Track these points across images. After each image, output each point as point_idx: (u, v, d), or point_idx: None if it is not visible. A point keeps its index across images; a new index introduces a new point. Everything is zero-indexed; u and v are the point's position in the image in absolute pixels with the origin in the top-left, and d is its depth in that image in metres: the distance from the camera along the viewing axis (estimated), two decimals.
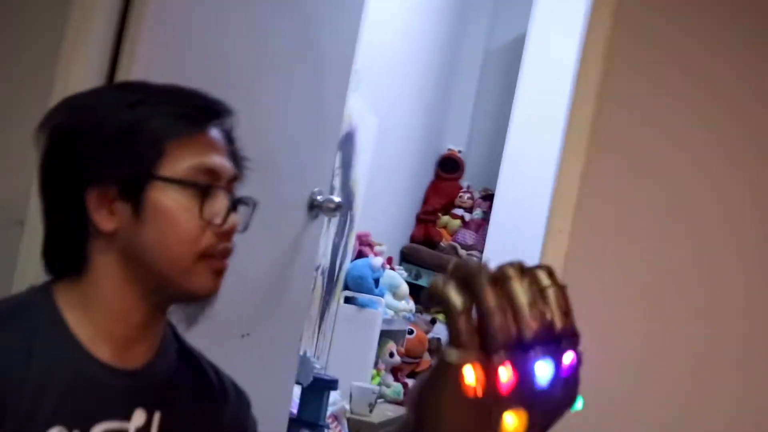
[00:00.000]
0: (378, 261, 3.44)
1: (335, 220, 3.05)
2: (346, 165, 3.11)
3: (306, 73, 2.06)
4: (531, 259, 0.54)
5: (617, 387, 1.50)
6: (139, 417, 0.94)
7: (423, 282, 4.14)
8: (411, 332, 3.66)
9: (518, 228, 3.75)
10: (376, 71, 3.31)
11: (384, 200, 3.90)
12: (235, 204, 0.94)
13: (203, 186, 0.91)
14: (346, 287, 3.30)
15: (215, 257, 0.92)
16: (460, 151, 4.47)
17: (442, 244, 4.24)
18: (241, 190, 1.03)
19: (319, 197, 2.11)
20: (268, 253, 1.95)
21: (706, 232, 1.57)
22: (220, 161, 0.94)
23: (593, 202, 1.59)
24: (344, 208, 3.14)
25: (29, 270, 1.37)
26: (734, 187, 1.58)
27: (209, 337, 1.14)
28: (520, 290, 0.42)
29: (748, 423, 1.48)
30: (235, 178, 0.97)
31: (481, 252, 4.15)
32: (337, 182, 2.96)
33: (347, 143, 3.06)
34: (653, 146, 1.61)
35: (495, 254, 3.96)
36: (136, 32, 1.46)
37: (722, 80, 1.63)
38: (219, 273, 0.93)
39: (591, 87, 1.58)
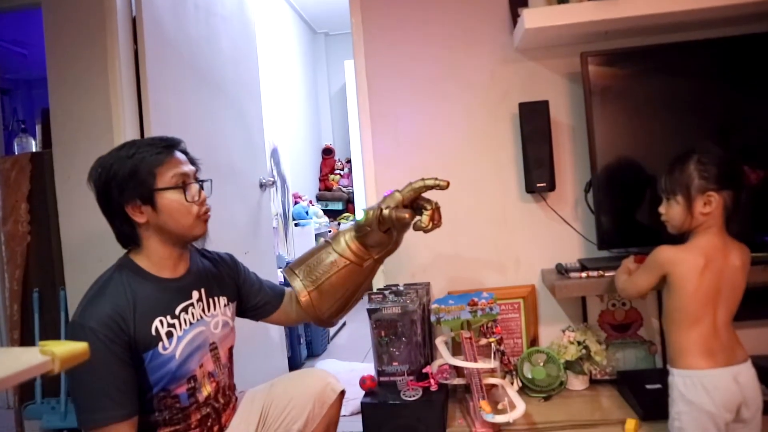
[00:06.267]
0: (305, 204, 4.33)
1: (280, 189, 3.84)
2: (276, 163, 3.91)
3: (241, 127, 2.43)
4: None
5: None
6: (195, 294, 1.26)
7: (330, 208, 5.04)
8: (329, 232, 4.29)
9: (360, 169, 4.16)
10: (281, 111, 4.18)
11: (301, 175, 4.68)
12: (201, 186, 1.19)
13: (182, 185, 1.16)
14: (294, 220, 4.12)
15: (200, 216, 1.21)
16: (330, 144, 5.58)
17: (333, 188, 5.27)
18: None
19: (262, 179, 2.56)
20: (248, 209, 2.32)
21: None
22: (186, 168, 1.19)
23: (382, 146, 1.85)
24: (281, 183, 3.81)
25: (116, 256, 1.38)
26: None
27: (234, 254, 1.46)
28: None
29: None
30: (196, 173, 1.20)
31: (352, 187, 5.13)
32: (274, 172, 3.82)
33: (275, 153, 3.90)
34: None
35: (356, 185, 5.02)
36: (147, 111, 1.83)
37: None
38: (205, 222, 1.22)
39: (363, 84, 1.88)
